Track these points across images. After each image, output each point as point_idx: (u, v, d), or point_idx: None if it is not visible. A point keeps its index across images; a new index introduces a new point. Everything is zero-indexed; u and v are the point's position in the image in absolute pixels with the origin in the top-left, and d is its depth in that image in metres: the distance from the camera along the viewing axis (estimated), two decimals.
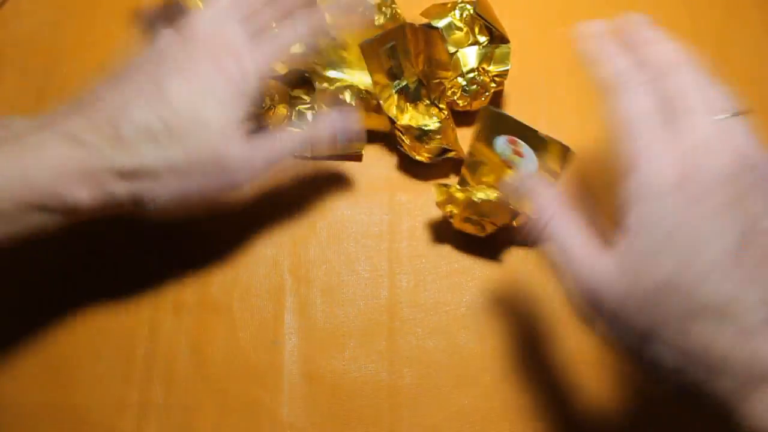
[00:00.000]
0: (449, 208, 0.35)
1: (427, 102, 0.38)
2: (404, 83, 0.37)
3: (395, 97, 0.37)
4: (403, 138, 0.37)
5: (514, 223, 0.36)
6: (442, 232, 0.38)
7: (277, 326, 0.36)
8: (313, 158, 0.38)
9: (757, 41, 0.45)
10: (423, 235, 0.38)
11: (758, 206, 0.23)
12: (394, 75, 0.37)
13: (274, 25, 0.34)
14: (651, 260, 0.23)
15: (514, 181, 0.31)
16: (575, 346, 0.35)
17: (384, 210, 0.39)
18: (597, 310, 0.24)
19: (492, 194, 0.34)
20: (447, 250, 0.38)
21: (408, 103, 0.37)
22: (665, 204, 0.23)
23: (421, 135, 0.37)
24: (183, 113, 0.29)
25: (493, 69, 0.38)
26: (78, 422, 0.34)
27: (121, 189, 0.29)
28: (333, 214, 0.39)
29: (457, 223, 0.36)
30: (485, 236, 0.36)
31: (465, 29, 0.40)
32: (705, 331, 0.22)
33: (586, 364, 0.35)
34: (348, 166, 0.39)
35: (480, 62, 0.39)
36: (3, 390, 0.34)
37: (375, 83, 0.36)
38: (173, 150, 0.29)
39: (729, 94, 0.27)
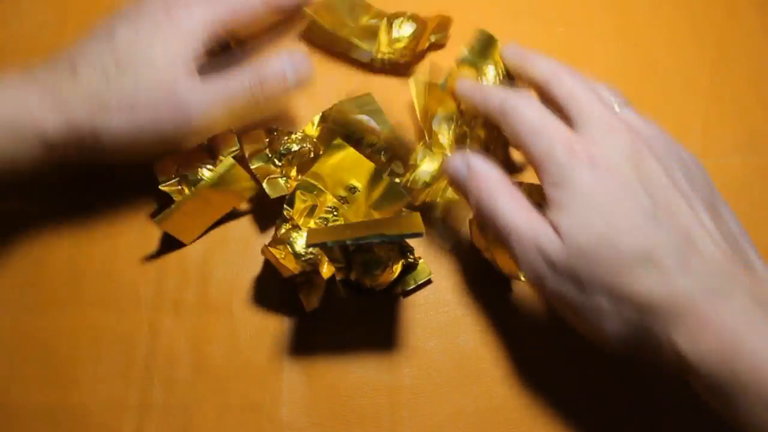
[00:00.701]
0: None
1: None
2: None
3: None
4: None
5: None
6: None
7: (277, 326, 0.36)
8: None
9: (757, 41, 0.45)
10: (423, 236, 0.38)
11: (655, 169, 0.27)
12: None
13: None
14: (583, 223, 0.27)
15: (455, 158, 0.32)
16: (576, 346, 0.35)
17: None
18: (546, 268, 0.27)
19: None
20: (447, 250, 0.38)
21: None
22: (583, 180, 0.27)
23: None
24: (130, 51, 0.33)
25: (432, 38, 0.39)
26: (78, 423, 0.33)
27: (80, 117, 0.32)
28: None
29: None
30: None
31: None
32: (632, 276, 0.26)
33: (587, 363, 0.35)
34: None
35: None
36: (3, 390, 0.34)
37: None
38: (123, 84, 0.32)
39: (612, 88, 0.32)
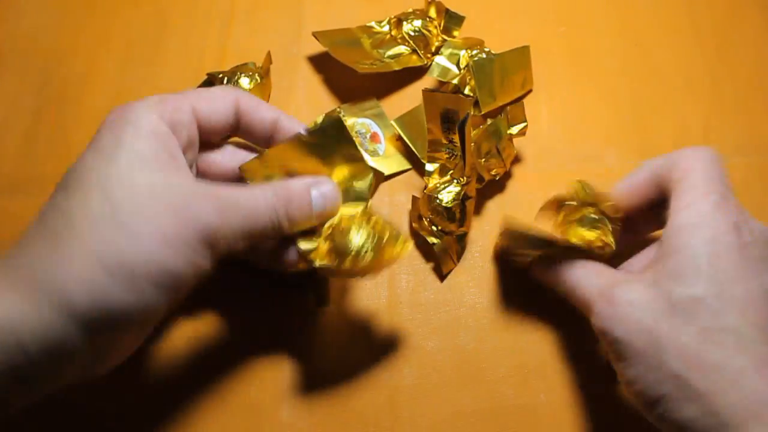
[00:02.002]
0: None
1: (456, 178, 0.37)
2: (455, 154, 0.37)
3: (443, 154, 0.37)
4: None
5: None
6: None
7: (277, 326, 0.36)
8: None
9: (757, 41, 0.45)
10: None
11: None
12: (448, 129, 0.36)
13: None
14: (689, 276, 0.26)
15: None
16: (575, 346, 0.35)
17: (384, 211, 0.39)
18: (621, 318, 0.27)
19: None
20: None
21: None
22: (718, 237, 0.26)
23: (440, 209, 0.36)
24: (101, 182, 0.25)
25: (513, 130, 0.38)
26: (77, 422, 0.33)
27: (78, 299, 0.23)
28: None
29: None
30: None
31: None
32: (718, 351, 0.24)
33: (587, 363, 0.35)
34: None
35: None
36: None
37: (429, 130, 0.36)
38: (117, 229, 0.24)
39: None
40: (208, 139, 0.30)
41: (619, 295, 0.27)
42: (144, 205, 0.24)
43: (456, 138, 0.36)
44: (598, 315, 0.28)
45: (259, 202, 0.27)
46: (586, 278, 0.30)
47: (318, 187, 0.30)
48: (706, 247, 0.26)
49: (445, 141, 0.37)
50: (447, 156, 0.37)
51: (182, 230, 0.24)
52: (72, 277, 0.23)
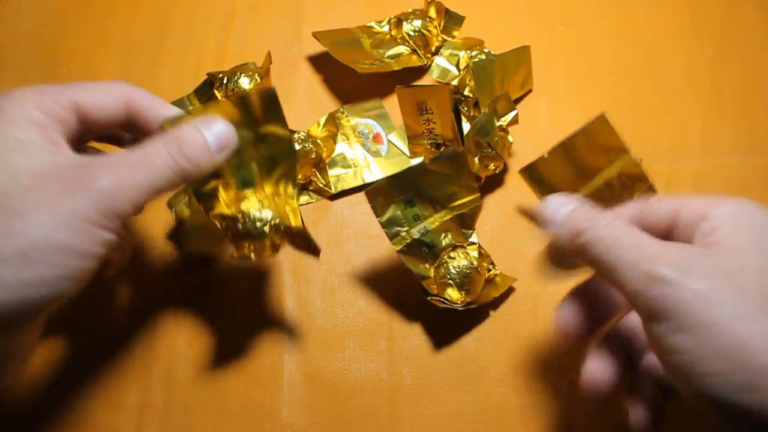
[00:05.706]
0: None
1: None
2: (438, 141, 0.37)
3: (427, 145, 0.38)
4: None
5: None
6: None
7: (277, 326, 0.36)
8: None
9: (757, 41, 0.45)
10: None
11: None
12: (427, 120, 0.37)
13: None
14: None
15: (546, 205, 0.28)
16: (574, 346, 0.35)
17: None
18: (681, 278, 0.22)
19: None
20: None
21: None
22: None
23: None
24: None
25: (504, 121, 0.38)
26: (78, 423, 0.33)
27: None
28: (333, 215, 0.39)
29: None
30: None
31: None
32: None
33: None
34: None
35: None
36: (4, 389, 0.34)
37: (407, 126, 0.37)
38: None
39: None
40: (98, 133, 0.29)
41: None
42: (31, 187, 0.23)
43: (435, 127, 0.37)
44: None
45: (150, 153, 0.26)
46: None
47: (209, 127, 0.28)
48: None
49: (424, 131, 0.37)
50: (429, 145, 0.37)
51: (77, 205, 0.24)
52: None
